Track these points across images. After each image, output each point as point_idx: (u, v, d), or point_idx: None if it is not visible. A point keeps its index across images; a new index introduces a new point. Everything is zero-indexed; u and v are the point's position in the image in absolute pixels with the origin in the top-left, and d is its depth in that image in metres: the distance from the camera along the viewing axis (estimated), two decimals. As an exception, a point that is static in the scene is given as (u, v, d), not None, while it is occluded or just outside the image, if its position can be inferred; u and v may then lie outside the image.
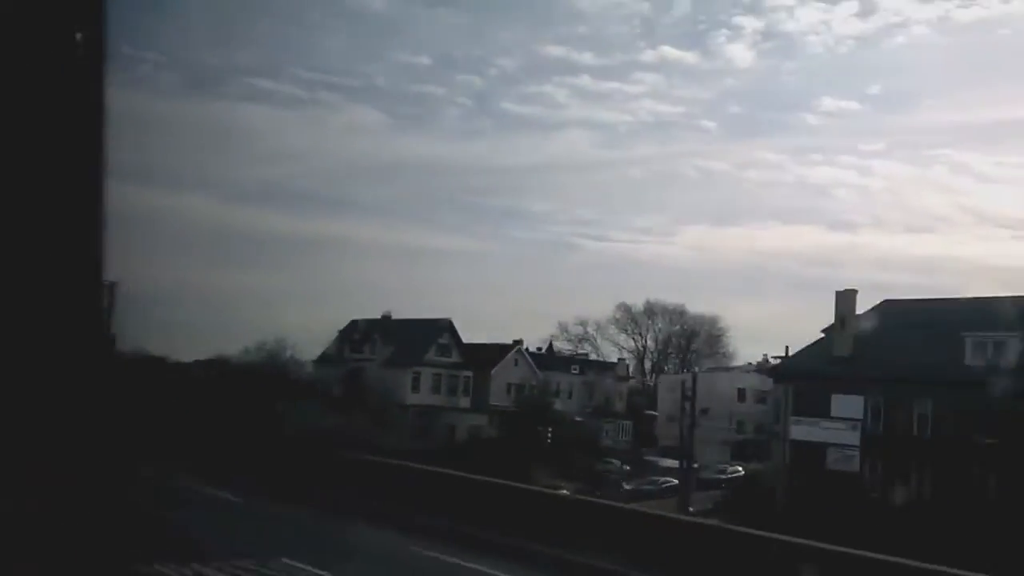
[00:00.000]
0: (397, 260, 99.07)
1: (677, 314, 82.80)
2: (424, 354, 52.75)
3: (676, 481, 43.19)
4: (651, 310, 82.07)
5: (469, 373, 54.43)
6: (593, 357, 78.75)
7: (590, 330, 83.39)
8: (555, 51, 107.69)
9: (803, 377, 36.15)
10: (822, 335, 36.80)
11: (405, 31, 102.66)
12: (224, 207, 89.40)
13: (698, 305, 73.04)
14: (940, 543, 21.42)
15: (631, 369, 78.16)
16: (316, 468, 24.54)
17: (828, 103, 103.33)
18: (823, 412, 34.52)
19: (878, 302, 36.65)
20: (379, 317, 54.25)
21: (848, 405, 33.63)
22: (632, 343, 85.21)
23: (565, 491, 32.79)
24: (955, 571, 12.80)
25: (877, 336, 34.07)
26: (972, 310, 32.04)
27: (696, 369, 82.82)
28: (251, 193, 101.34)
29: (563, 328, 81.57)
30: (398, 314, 54.68)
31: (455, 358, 54.07)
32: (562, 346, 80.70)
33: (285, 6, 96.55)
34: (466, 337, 57.28)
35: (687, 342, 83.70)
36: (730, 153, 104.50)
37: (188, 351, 50.56)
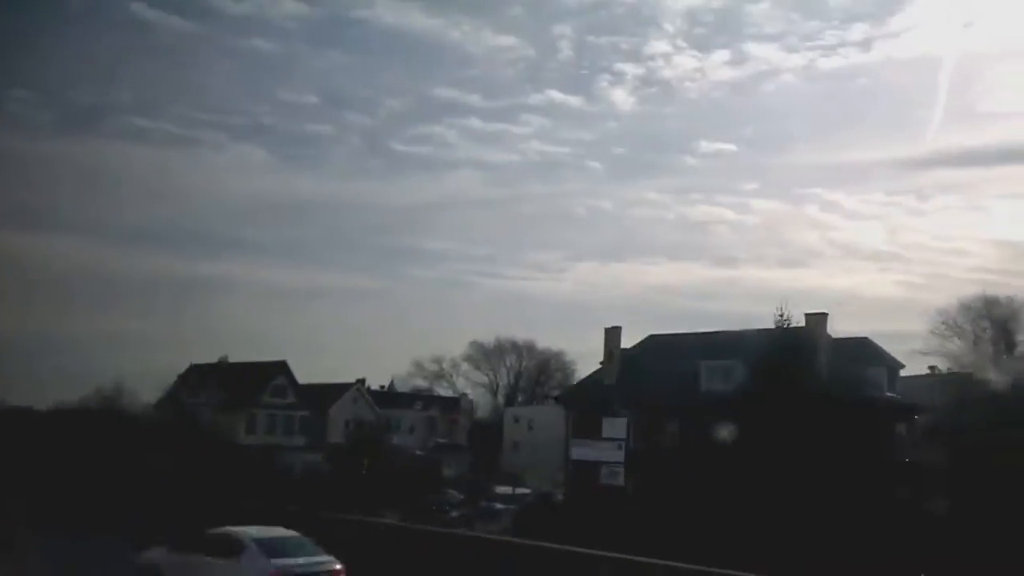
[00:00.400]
0: (279, 301, 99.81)
1: (526, 349, 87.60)
2: (259, 396, 54.76)
3: (501, 506, 46.87)
4: (501, 346, 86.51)
5: (305, 412, 56.69)
6: (447, 393, 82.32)
7: (445, 367, 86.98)
8: (444, 93, 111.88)
9: (582, 403, 40.82)
10: (599, 365, 41.59)
11: (292, 70, 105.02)
12: (96, 249, 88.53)
13: (585, 340, 75.83)
14: (683, 545, 25.75)
15: (481, 403, 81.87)
16: (142, 505, 26.91)
17: (706, 145, 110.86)
18: (598, 434, 39.06)
19: (644, 336, 41.84)
20: (216, 360, 56.01)
21: (615, 427, 38.19)
22: (486, 378, 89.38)
23: (387, 520, 35.79)
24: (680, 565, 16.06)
25: (640, 365, 39.10)
26: (710, 341, 37.45)
27: (553, 400, 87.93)
28: (127, 234, 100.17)
29: (419, 366, 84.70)
30: (253, 357, 56.57)
31: (291, 399, 56.28)
32: (419, 383, 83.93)
33: (166, 45, 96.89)
34: (328, 377, 59.99)
35: (537, 375, 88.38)
36: (616, 192, 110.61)
37: (35, 398, 50.91)
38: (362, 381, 63.74)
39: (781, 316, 31.42)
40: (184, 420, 51.77)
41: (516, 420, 71.40)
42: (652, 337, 41.48)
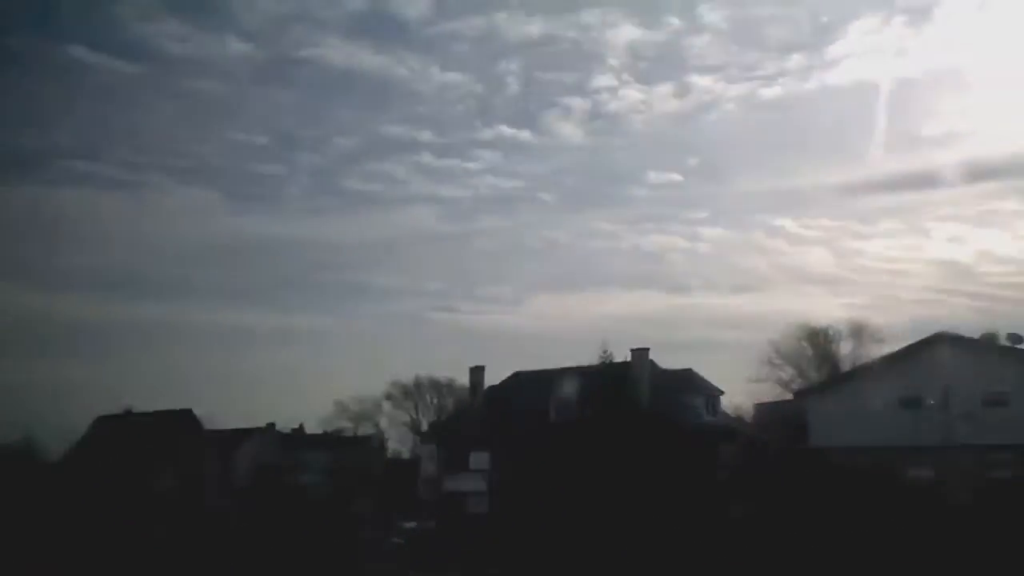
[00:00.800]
0: (222, 343, 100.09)
1: (446, 387, 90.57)
2: (164, 444, 56.85)
3: (398, 540, 49.74)
4: (419, 384, 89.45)
5: (212, 458, 58.84)
6: (370, 432, 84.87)
7: (367, 407, 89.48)
8: (394, 130, 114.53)
9: (453, 438, 44.26)
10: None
11: (240, 111, 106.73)
12: (29, 295, 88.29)
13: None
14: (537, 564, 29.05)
15: (405, 441, 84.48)
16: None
17: (654, 176, 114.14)
18: (467, 466, 42.52)
19: (510, 374, 45.56)
20: (121, 411, 58.13)
21: (479, 459, 41.74)
22: (408, 417, 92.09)
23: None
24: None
25: (504, 400, 42.74)
26: (559, 377, 41.25)
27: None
28: (66, 281, 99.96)
29: (342, 407, 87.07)
30: (177, 403, 58.94)
31: (196, 445, 58.47)
32: (343, 424, 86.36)
33: (109, 87, 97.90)
34: (252, 420, 62.78)
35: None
36: (569, 224, 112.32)
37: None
38: (272, 425, 66.15)
39: (604, 352, 35.42)
40: (90, 472, 53.79)
41: (429, 456, 74.11)
42: (517, 374, 45.21)
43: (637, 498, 33.11)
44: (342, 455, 69.81)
